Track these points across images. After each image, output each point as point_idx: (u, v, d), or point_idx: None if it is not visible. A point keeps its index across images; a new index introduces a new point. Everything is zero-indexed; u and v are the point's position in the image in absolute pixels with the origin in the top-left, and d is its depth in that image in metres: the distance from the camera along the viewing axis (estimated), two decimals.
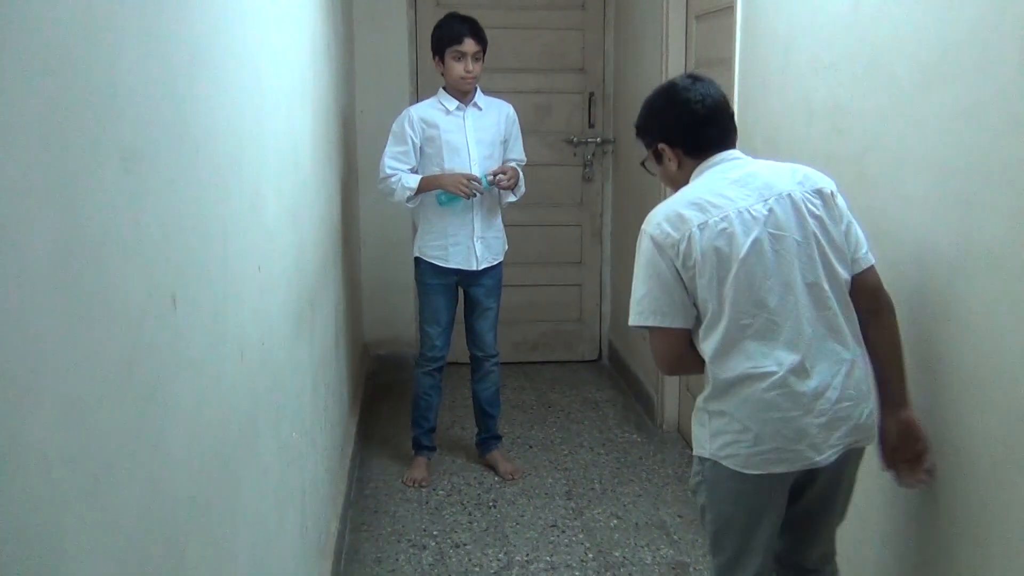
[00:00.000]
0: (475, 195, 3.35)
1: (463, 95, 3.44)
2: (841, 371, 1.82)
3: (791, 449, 1.80)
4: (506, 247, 3.59)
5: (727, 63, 3.25)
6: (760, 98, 2.77)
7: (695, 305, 1.85)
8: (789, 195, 1.82)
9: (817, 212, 1.82)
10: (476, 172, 3.41)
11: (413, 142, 3.39)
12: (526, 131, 4.38)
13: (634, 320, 1.89)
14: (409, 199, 3.37)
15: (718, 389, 1.84)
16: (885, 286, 1.92)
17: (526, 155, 3.66)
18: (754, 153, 2.12)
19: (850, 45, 2.19)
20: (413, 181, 3.35)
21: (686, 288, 1.83)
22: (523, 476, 3.61)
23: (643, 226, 1.88)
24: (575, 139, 4.79)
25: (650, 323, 1.86)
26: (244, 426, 1.61)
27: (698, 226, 1.79)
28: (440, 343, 3.53)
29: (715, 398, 1.85)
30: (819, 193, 1.85)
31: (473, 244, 3.47)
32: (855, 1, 2.15)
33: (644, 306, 1.86)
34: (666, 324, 1.85)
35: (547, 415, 4.27)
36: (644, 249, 1.86)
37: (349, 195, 4.00)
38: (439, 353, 3.54)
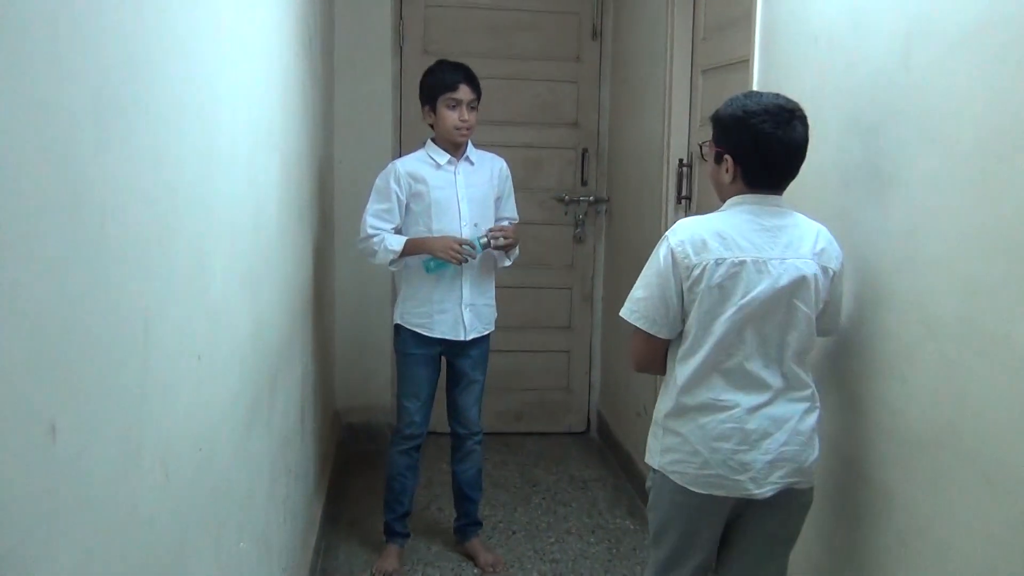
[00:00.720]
0: (466, 261, 3.04)
1: (455, 148, 3.14)
2: (795, 418, 1.96)
3: (733, 479, 1.95)
4: (495, 315, 3.28)
5: None
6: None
7: (682, 322, 1.98)
8: (803, 263, 1.92)
9: (818, 287, 1.95)
10: (467, 233, 3.11)
11: (399, 199, 3.08)
12: (515, 187, 4.17)
13: (626, 315, 2.01)
14: (392, 262, 3.06)
15: (679, 409, 1.97)
16: (943, 383, 1.74)
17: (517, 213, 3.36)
18: None
19: (896, 104, 1.91)
20: (397, 243, 3.03)
21: (682, 306, 1.95)
22: (505, 568, 3.26)
23: (668, 233, 1.97)
24: (567, 197, 4.52)
25: (641, 326, 1.99)
26: (170, 555, 1.27)
27: (715, 260, 1.89)
28: (419, 419, 3.19)
29: (675, 417, 1.99)
30: (826, 271, 1.96)
31: (462, 312, 3.16)
32: (904, 55, 1.88)
33: (640, 308, 1.98)
34: (653, 331, 1.99)
35: (531, 495, 3.92)
36: (661, 257, 1.95)
37: (324, 252, 3.69)
38: (418, 430, 3.20)
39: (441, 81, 3.06)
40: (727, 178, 1.98)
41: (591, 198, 4.51)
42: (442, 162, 3.12)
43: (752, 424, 1.92)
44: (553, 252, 4.56)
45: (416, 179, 3.08)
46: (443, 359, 3.25)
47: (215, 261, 1.57)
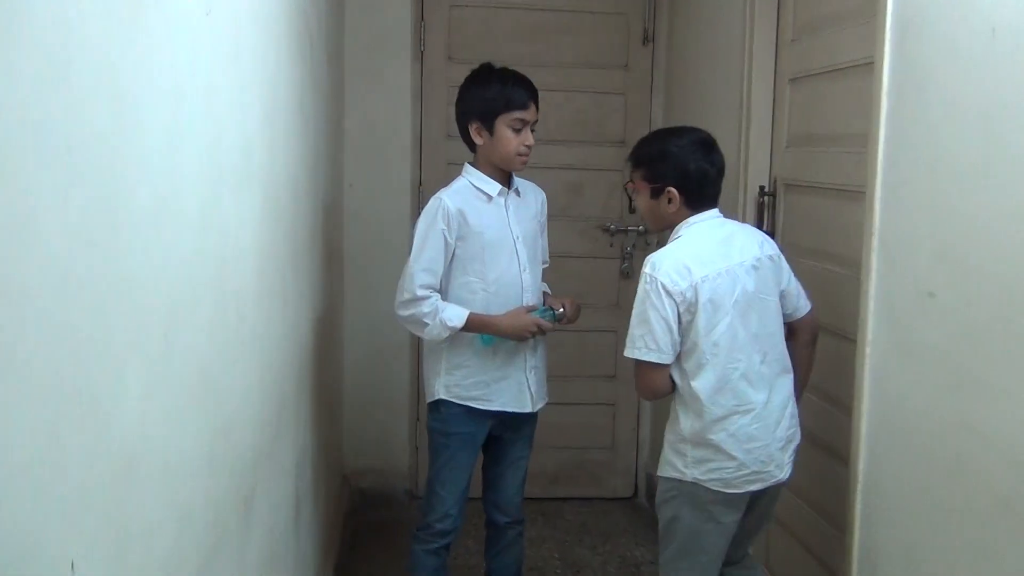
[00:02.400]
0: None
1: (504, 176, 2.56)
2: (790, 401, 2.22)
3: (764, 471, 2.14)
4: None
5: (845, 140, 2.38)
6: (944, 207, 1.86)
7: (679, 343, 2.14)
8: (758, 259, 2.18)
9: (772, 276, 2.21)
10: (527, 279, 2.55)
11: (447, 243, 2.46)
12: (553, 215, 3.65)
13: (631, 353, 2.15)
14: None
15: (709, 421, 2.10)
16: None
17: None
18: None
19: None
20: (458, 317, 2.42)
21: (679, 329, 2.11)
22: None
23: (648, 270, 2.13)
24: (612, 226, 3.90)
25: (649, 358, 2.12)
26: None
27: (701, 278, 2.09)
28: (456, 511, 2.59)
29: (703, 430, 2.11)
30: (772, 259, 2.23)
31: (527, 378, 2.57)
32: None
33: (644, 343, 2.12)
34: (662, 360, 2.12)
35: None
36: (651, 291, 2.10)
37: (329, 294, 3.09)
38: (452, 525, 2.59)
39: (506, 97, 2.47)
40: (670, 208, 2.21)
41: (640, 228, 3.89)
42: (494, 193, 2.52)
43: (769, 417, 2.14)
44: (596, 289, 3.94)
45: (466, 217, 2.47)
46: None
47: (127, 379, 0.97)
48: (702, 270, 2.09)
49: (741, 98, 2.92)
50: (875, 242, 2.08)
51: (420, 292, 2.42)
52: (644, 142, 2.30)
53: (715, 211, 2.21)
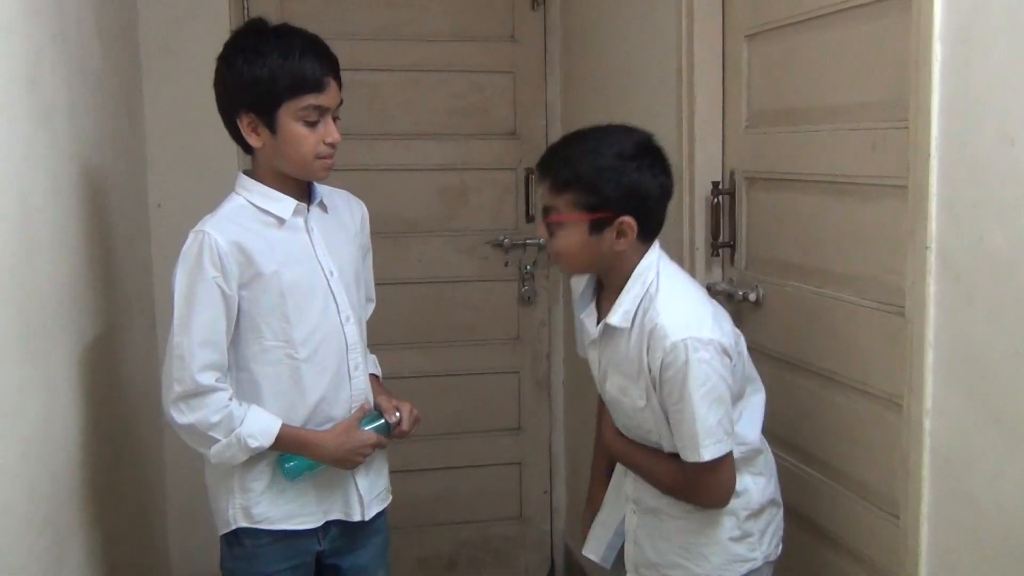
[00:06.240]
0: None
1: (299, 186, 1.75)
2: None
3: None
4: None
5: (853, 113, 1.67)
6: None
7: None
8: None
9: None
10: (352, 331, 1.79)
11: (226, 296, 1.64)
12: (429, 229, 3.11)
13: (713, 453, 1.58)
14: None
15: (773, 468, 1.76)
16: None
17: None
18: None
19: None
20: (264, 432, 1.68)
21: None
22: None
23: (688, 337, 1.55)
24: (506, 240, 3.13)
25: (731, 447, 1.62)
26: None
27: (726, 315, 1.70)
28: None
29: (772, 491, 1.74)
30: None
31: (353, 478, 1.81)
32: None
33: (721, 431, 1.59)
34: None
35: None
36: (714, 360, 1.57)
37: (142, 353, 2.19)
38: None
39: (291, 73, 1.64)
40: (619, 245, 1.63)
41: (541, 240, 3.09)
42: (287, 214, 1.71)
43: None
44: (490, 321, 3.17)
45: (249, 253, 1.66)
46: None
47: None
48: (718, 307, 1.70)
49: (678, 66, 2.16)
50: (932, 261, 1.37)
51: (203, 380, 1.62)
52: (566, 153, 1.66)
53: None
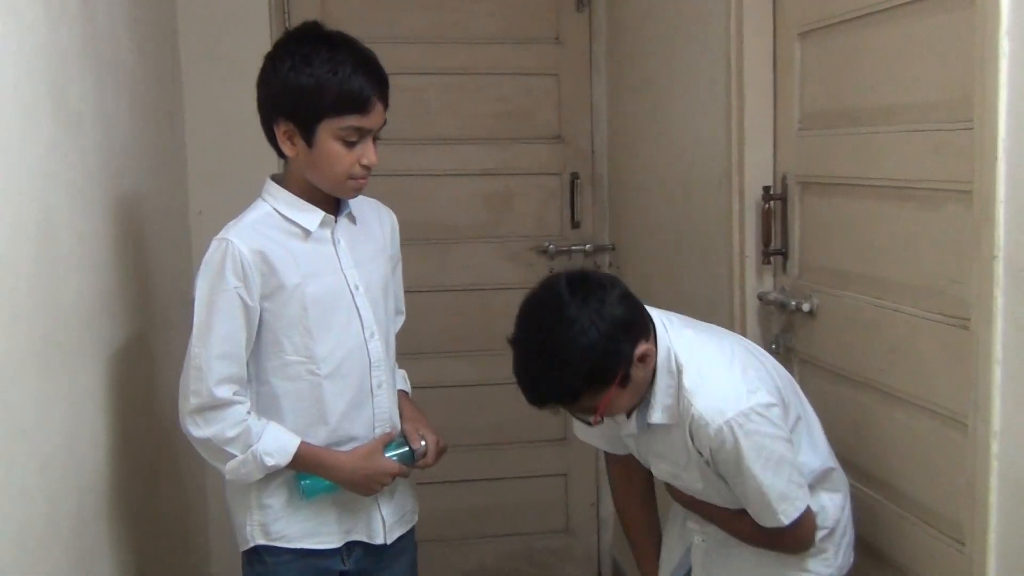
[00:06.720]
0: None
1: (328, 198, 1.69)
2: None
3: None
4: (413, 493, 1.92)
5: (912, 113, 1.58)
6: None
7: None
8: None
9: None
10: (377, 348, 1.73)
11: (247, 308, 1.60)
12: (473, 235, 3.08)
13: (792, 515, 1.56)
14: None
15: (845, 487, 1.72)
16: None
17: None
18: None
19: None
20: (281, 450, 1.63)
21: None
22: None
23: (729, 419, 1.52)
24: (551, 246, 3.09)
25: (807, 502, 1.60)
26: None
27: (766, 368, 1.66)
28: None
29: (846, 504, 1.71)
30: None
31: (377, 501, 1.76)
32: None
33: (793, 488, 1.56)
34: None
35: None
36: (760, 430, 1.53)
37: (176, 368, 2.18)
38: None
39: (336, 91, 1.57)
40: (650, 364, 1.58)
41: (587, 247, 3.11)
42: (313, 226, 1.66)
43: None
44: None
45: (272, 263, 1.62)
46: None
47: None
48: (755, 360, 1.66)
49: (727, 66, 2.08)
50: (999, 271, 1.29)
51: (221, 394, 1.58)
52: (550, 376, 1.51)
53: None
